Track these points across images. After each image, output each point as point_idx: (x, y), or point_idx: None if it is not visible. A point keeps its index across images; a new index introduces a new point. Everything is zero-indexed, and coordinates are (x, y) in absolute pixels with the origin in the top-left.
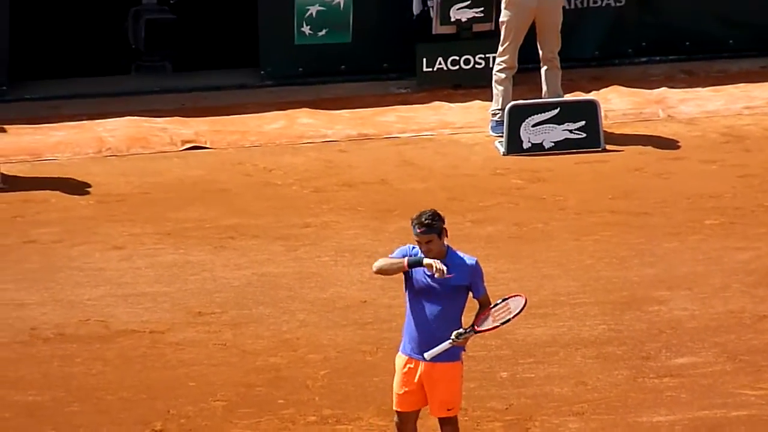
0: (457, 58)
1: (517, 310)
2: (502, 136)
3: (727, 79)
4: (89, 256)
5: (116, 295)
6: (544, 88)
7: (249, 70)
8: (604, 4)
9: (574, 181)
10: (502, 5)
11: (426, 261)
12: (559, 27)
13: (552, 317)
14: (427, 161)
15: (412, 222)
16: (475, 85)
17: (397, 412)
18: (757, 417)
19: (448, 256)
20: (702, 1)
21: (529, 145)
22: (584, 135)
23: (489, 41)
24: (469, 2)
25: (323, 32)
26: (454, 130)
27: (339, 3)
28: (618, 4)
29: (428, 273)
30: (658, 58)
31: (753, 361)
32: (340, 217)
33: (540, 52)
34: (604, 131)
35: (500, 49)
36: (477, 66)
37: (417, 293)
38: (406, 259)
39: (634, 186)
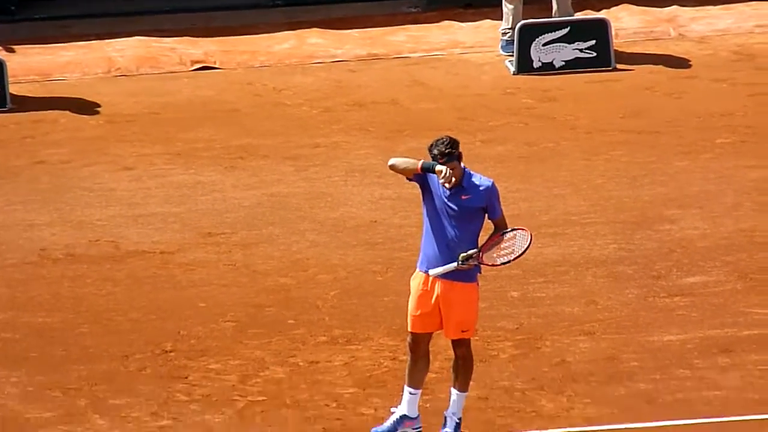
0: None
1: (522, 250)
2: (512, 56)
3: None
4: (99, 177)
5: (126, 216)
6: (555, 7)
7: None
8: None
9: (584, 101)
10: None
11: (438, 167)
12: None
13: (562, 237)
14: (438, 81)
15: (430, 150)
16: (486, 4)
17: (411, 333)
18: (767, 336)
19: (464, 178)
20: None
21: (540, 64)
22: (595, 54)
23: None
24: None
25: None
26: (464, 50)
27: None
28: None
29: (445, 190)
30: None
31: (764, 280)
32: (350, 138)
33: None
34: (615, 50)
35: None
36: None
37: (435, 212)
38: (420, 162)
39: (644, 105)
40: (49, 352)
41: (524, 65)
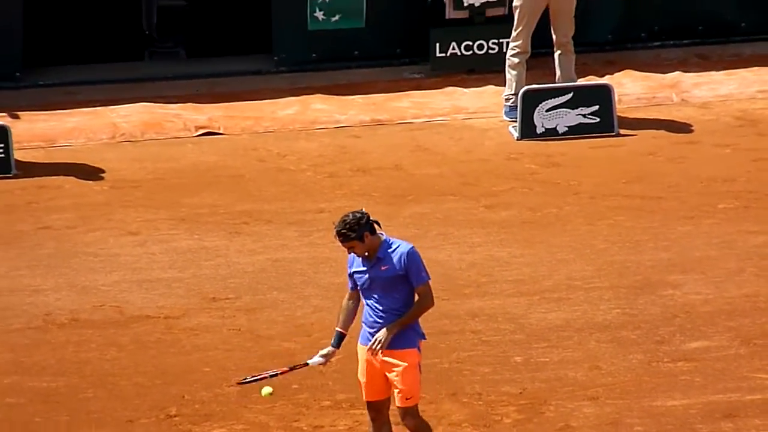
0: (471, 43)
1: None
2: (515, 121)
3: (741, 62)
4: (104, 242)
5: (131, 281)
6: (558, 72)
7: (262, 56)
8: None
9: (587, 166)
10: None
11: (315, 361)
12: (573, 11)
13: (566, 301)
14: (441, 146)
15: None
16: (489, 70)
17: (366, 402)
18: None
19: (381, 247)
20: None
21: (543, 129)
22: (598, 119)
23: (502, 26)
24: None
25: (336, 18)
26: (467, 115)
27: None
28: None
29: (360, 269)
30: (671, 42)
31: (767, 345)
32: (353, 203)
33: (553, 37)
34: (618, 116)
35: (513, 33)
36: (490, 51)
37: (362, 289)
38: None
39: (647, 170)
40: (54, 417)
41: (528, 131)
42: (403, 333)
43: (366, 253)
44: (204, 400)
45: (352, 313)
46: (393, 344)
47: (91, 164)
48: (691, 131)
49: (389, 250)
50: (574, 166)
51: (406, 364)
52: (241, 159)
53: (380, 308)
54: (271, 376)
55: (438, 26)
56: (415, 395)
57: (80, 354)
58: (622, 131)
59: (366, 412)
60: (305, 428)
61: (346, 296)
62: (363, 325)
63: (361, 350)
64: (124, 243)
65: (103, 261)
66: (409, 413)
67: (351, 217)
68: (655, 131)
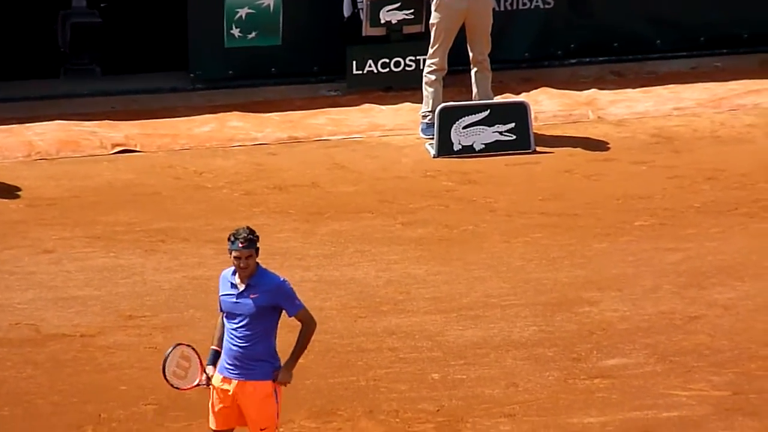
0: (388, 60)
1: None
2: (432, 138)
3: (657, 80)
4: (19, 260)
5: (46, 299)
6: (475, 90)
7: (179, 73)
8: (533, 7)
9: (504, 183)
10: (432, 7)
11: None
12: (489, 29)
13: (483, 319)
14: (358, 164)
15: (230, 238)
16: (406, 87)
17: (213, 430)
18: (687, 418)
19: (256, 274)
20: (630, 3)
21: (460, 147)
22: (514, 137)
23: (419, 43)
24: (399, 4)
25: (253, 35)
26: (384, 133)
27: (269, 5)
28: (547, 6)
29: (229, 293)
30: (587, 59)
31: (683, 362)
32: (270, 220)
33: (470, 54)
34: (535, 133)
35: (430, 51)
36: (407, 68)
37: (228, 314)
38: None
39: (564, 187)
40: None
41: (444, 148)
42: (259, 365)
43: (241, 277)
44: (120, 418)
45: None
46: (249, 375)
47: (6, 182)
48: (607, 148)
49: (262, 279)
50: (490, 184)
51: (263, 395)
52: (158, 177)
53: (241, 336)
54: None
55: (355, 43)
56: (271, 425)
57: None
58: (538, 148)
59: None
60: None
61: (221, 316)
62: (223, 353)
63: (217, 379)
64: (40, 261)
65: (18, 279)
66: None
67: (248, 227)
68: (571, 149)
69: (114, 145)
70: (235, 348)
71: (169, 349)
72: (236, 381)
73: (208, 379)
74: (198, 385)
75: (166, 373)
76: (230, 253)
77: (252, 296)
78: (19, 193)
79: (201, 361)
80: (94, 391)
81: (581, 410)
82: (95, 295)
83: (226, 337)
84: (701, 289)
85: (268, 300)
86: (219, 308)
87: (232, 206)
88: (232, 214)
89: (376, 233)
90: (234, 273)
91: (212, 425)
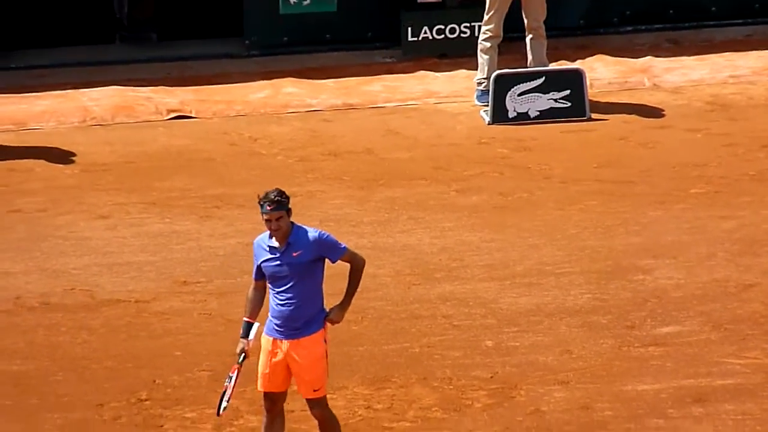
0: (443, 27)
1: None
2: (487, 106)
3: (712, 47)
4: (74, 226)
5: (101, 265)
6: (530, 57)
7: (234, 40)
8: None
9: (559, 150)
10: None
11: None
12: None
13: (537, 286)
14: (413, 131)
15: (259, 201)
16: (461, 54)
17: (263, 393)
18: (741, 386)
19: (293, 233)
20: None
21: (515, 114)
22: (569, 104)
23: (474, 10)
24: None
25: (308, 1)
26: (439, 100)
27: None
28: None
29: (269, 257)
30: (643, 27)
31: (738, 330)
32: (325, 187)
33: (525, 21)
34: (590, 100)
35: (485, 17)
36: (462, 35)
37: (273, 278)
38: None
39: (619, 155)
40: (24, 400)
41: (499, 115)
42: (310, 323)
43: (278, 239)
44: (175, 384)
45: (259, 303)
46: (301, 333)
47: (61, 147)
48: (662, 116)
49: (299, 236)
50: (545, 151)
51: (315, 354)
52: (213, 143)
53: (289, 297)
54: (233, 383)
55: (410, 10)
56: (323, 386)
57: (51, 338)
58: (593, 116)
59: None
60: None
61: (252, 286)
62: (270, 317)
63: (266, 341)
64: (95, 226)
65: (73, 244)
66: (318, 404)
67: (276, 189)
68: (626, 116)
69: (169, 111)
70: (285, 310)
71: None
72: (288, 341)
73: (244, 353)
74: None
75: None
76: (262, 217)
77: (295, 254)
78: (73, 158)
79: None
80: (149, 356)
81: (635, 378)
82: (150, 261)
83: (272, 301)
84: (756, 256)
85: (311, 254)
86: (254, 276)
87: (286, 172)
88: (287, 180)
89: (430, 200)
90: (270, 237)
91: (261, 387)
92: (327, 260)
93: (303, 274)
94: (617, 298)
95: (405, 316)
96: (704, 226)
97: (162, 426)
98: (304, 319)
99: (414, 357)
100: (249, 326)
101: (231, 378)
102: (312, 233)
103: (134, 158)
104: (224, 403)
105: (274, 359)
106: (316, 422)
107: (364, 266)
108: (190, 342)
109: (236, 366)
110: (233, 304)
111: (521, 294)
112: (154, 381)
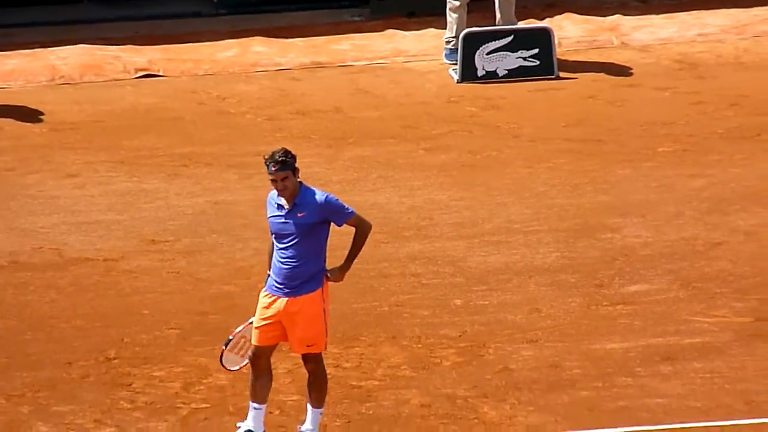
0: None
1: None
2: (456, 64)
3: (681, 6)
4: (43, 184)
5: (70, 223)
6: (498, 15)
7: None
8: None
9: (527, 109)
10: None
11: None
12: None
13: (505, 245)
14: (381, 89)
15: (265, 161)
16: (429, 12)
17: (254, 345)
18: (709, 344)
19: (300, 193)
20: None
21: (483, 72)
22: (538, 62)
23: None
24: None
25: None
26: (408, 58)
27: None
28: None
29: (277, 214)
30: None
31: (706, 289)
32: (293, 145)
33: None
34: (558, 59)
35: None
36: None
37: (277, 235)
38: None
39: (587, 113)
40: None
41: (468, 73)
42: (308, 283)
43: (285, 198)
44: (143, 342)
45: None
46: (297, 292)
47: (30, 106)
48: (631, 74)
49: (305, 197)
50: (514, 109)
51: (311, 312)
52: (181, 101)
53: (290, 255)
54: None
55: None
56: (319, 342)
57: (19, 296)
58: (562, 74)
59: None
60: (245, 371)
61: (272, 238)
62: (271, 273)
63: (263, 297)
64: (63, 185)
65: (41, 203)
66: (312, 359)
67: (281, 149)
68: (595, 74)
69: (137, 70)
70: (285, 268)
71: (223, 354)
72: (285, 299)
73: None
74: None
75: (230, 367)
76: (268, 177)
77: (299, 215)
78: (42, 117)
79: (245, 326)
80: (117, 315)
81: (603, 336)
82: (118, 220)
83: (275, 257)
84: (724, 215)
85: (316, 216)
86: (270, 231)
87: (255, 131)
88: (255, 139)
89: (399, 159)
90: (278, 194)
91: (254, 341)
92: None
93: (306, 235)
94: (585, 256)
95: (374, 274)
96: (672, 185)
97: (130, 384)
98: (303, 278)
99: (383, 316)
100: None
101: (239, 329)
102: (319, 196)
103: (102, 117)
104: (229, 337)
105: (267, 314)
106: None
107: (369, 231)
108: (158, 300)
109: (246, 324)
110: (201, 262)
111: (490, 252)
112: (123, 339)
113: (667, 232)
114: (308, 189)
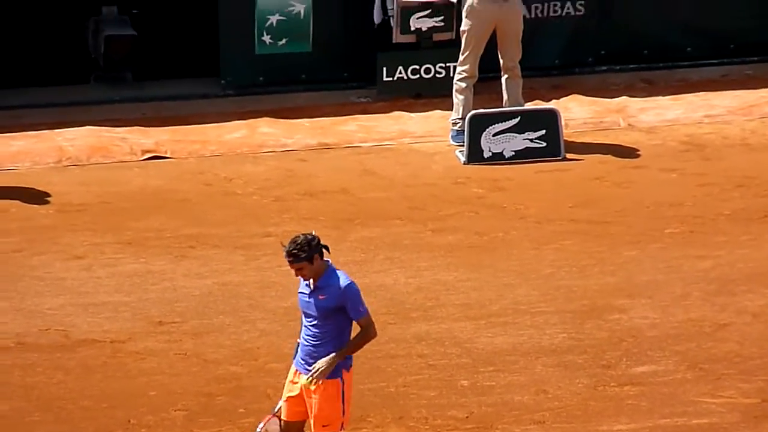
0: (418, 67)
1: None
2: (462, 146)
3: (687, 87)
4: (50, 266)
5: (77, 305)
6: (505, 97)
7: (210, 80)
8: (564, 14)
9: (534, 190)
10: (463, 14)
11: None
12: (520, 36)
13: (512, 326)
14: (388, 170)
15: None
16: (436, 94)
17: (283, 421)
18: (717, 425)
19: (324, 276)
20: (661, 10)
21: (490, 154)
22: (545, 144)
23: (450, 50)
24: (429, 11)
25: (283, 42)
26: (414, 140)
27: (299, 12)
28: (578, 14)
29: (304, 291)
30: (618, 67)
31: (713, 370)
32: (300, 227)
33: (501, 61)
34: (565, 140)
35: (461, 58)
36: (438, 75)
37: (303, 312)
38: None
39: (594, 195)
40: None
41: (474, 155)
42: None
43: (312, 278)
44: (150, 424)
45: None
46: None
47: (37, 188)
48: (637, 156)
49: (329, 281)
50: (520, 191)
51: (327, 394)
52: (188, 183)
53: (314, 334)
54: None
55: (385, 50)
56: (333, 423)
57: (26, 378)
58: (568, 156)
59: None
60: None
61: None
62: (299, 347)
63: (291, 371)
64: (70, 267)
65: (49, 285)
66: None
67: (302, 238)
68: (601, 156)
69: (144, 152)
70: (307, 346)
71: None
72: (305, 376)
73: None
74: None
75: None
76: None
77: (321, 297)
78: (49, 198)
79: (274, 414)
80: (124, 396)
81: (611, 417)
82: (125, 301)
83: (302, 334)
84: (731, 296)
85: (334, 301)
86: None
87: (262, 212)
88: (263, 220)
89: (405, 240)
90: None
91: (283, 416)
92: None
93: (326, 317)
94: (593, 337)
95: (381, 355)
96: (679, 266)
97: None
98: (322, 358)
99: (390, 396)
100: None
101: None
102: (342, 282)
103: (110, 199)
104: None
105: (292, 391)
106: None
107: (373, 337)
108: (165, 382)
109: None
110: (208, 344)
111: (497, 333)
112: (129, 421)
113: (675, 314)
114: (334, 272)
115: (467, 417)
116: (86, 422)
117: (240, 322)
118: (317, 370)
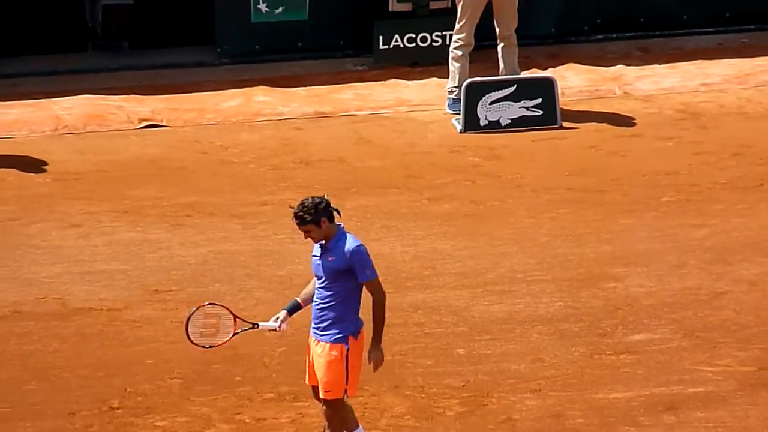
0: (414, 35)
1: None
2: (458, 114)
3: (684, 56)
4: (46, 234)
5: (73, 273)
6: (501, 65)
7: (206, 48)
8: None
9: (530, 159)
10: None
11: (266, 325)
12: (516, 4)
13: (508, 294)
14: (384, 139)
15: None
16: (432, 62)
17: (310, 386)
18: (713, 393)
19: (334, 238)
20: None
21: (486, 122)
22: (541, 112)
23: (446, 18)
24: None
25: (280, 10)
26: (410, 108)
27: None
28: None
29: (315, 254)
30: (614, 35)
31: (709, 338)
32: (297, 195)
33: (497, 30)
34: (561, 108)
35: (457, 26)
36: (434, 43)
37: (314, 273)
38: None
39: (590, 163)
40: None
41: (471, 123)
42: (331, 327)
43: (322, 240)
44: (146, 392)
45: (312, 293)
46: (320, 336)
47: (33, 156)
48: (633, 124)
49: (338, 243)
50: (517, 159)
51: (330, 358)
52: (184, 151)
53: (323, 296)
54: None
55: (381, 18)
56: (335, 389)
57: (23, 346)
58: (565, 124)
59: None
60: (248, 421)
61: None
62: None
63: (310, 337)
64: (67, 235)
65: (45, 253)
66: (327, 404)
67: (310, 201)
68: (597, 124)
69: (141, 120)
70: (315, 307)
71: (188, 313)
72: (314, 339)
73: (279, 320)
74: (235, 334)
75: (192, 338)
76: None
77: (330, 259)
78: (45, 167)
79: (231, 312)
80: (120, 364)
81: (607, 385)
82: (122, 270)
83: (315, 296)
84: (727, 264)
85: (342, 264)
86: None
87: (258, 181)
88: (258, 188)
89: (402, 208)
90: None
91: (306, 381)
92: None
93: (334, 279)
94: (589, 305)
95: None
96: (675, 235)
97: None
98: (330, 320)
99: (386, 365)
100: (295, 305)
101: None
102: (349, 245)
103: (106, 167)
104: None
105: (309, 355)
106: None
107: (384, 301)
108: (162, 350)
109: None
110: None
111: (493, 302)
112: (126, 389)
113: (671, 282)
114: (344, 235)
115: (463, 385)
116: (82, 390)
117: (236, 290)
118: (377, 362)
